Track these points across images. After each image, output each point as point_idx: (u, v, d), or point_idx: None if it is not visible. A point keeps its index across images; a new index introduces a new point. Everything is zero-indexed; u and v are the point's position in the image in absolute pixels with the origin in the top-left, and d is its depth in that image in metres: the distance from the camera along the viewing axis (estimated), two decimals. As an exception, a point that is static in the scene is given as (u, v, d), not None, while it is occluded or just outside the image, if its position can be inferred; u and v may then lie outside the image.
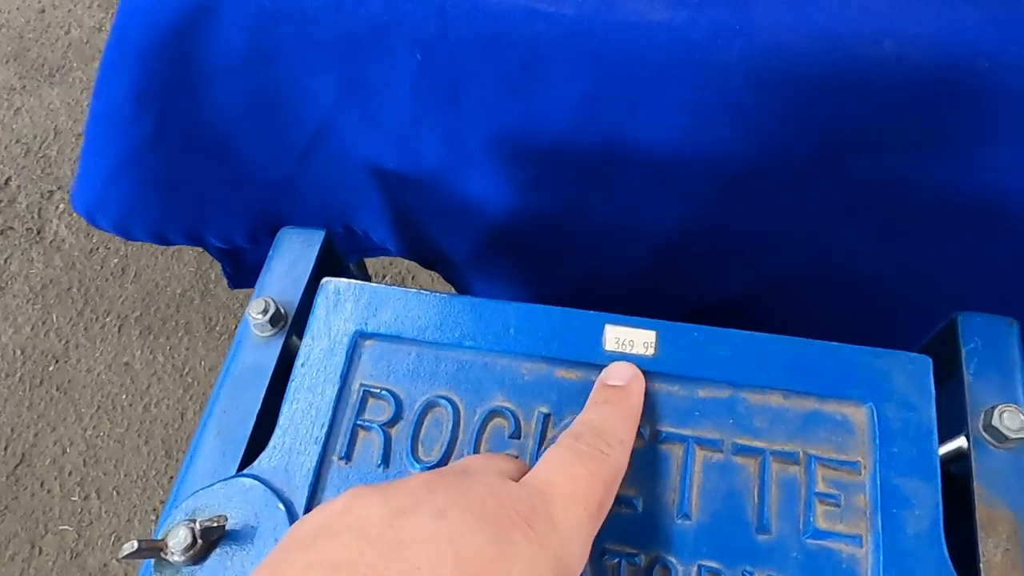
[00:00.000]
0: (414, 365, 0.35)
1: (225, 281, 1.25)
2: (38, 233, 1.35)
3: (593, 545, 0.30)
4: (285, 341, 0.39)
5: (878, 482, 0.31)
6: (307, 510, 0.32)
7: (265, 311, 0.38)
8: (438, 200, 0.49)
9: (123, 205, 0.50)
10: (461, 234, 0.51)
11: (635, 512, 0.32)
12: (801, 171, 0.42)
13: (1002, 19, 0.38)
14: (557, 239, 0.50)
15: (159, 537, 0.31)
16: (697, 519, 0.31)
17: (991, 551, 0.35)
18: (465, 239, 0.53)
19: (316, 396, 0.35)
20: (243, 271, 0.60)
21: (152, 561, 0.31)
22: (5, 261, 1.33)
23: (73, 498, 1.12)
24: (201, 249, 1.31)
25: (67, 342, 1.25)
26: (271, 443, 0.34)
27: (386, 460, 0.33)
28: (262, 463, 0.33)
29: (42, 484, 1.13)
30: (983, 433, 0.37)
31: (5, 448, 1.15)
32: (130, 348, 1.24)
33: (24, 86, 1.54)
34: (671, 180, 0.44)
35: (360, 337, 0.36)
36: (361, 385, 0.35)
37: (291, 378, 0.35)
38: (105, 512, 1.10)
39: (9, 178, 1.43)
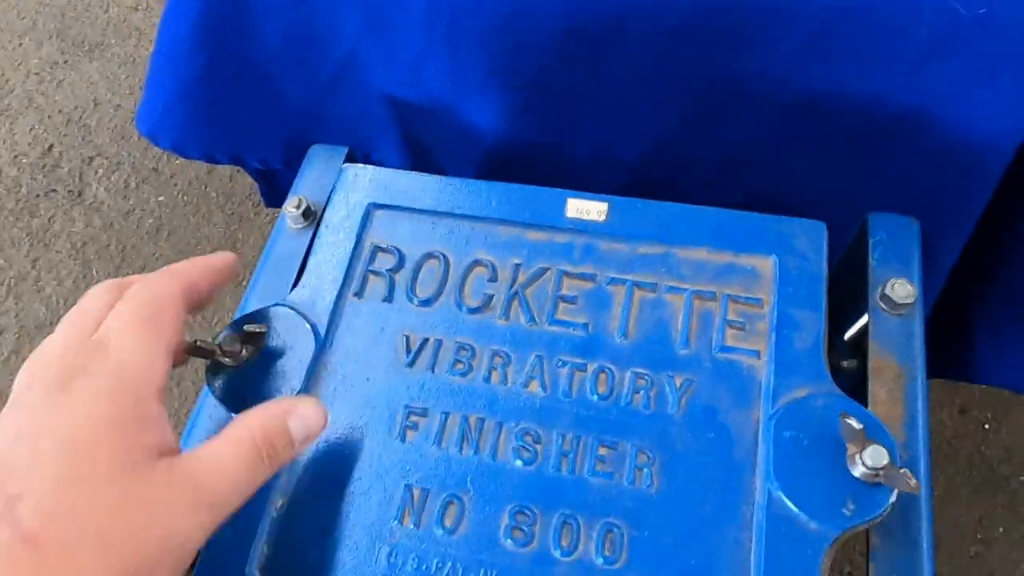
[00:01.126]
0: (415, 228, 0.44)
1: (251, 240, 1.35)
2: (79, 195, 1.46)
3: (549, 358, 0.39)
4: (314, 233, 0.48)
5: (775, 313, 0.40)
6: (328, 331, 0.41)
7: (298, 206, 0.47)
8: (445, 128, 0.58)
9: (179, 129, 0.59)
10: (463, 160, 0.60)
11: (586, 334, 0.40)
12: (747, 96, 0.51)
13: None
14: (542, 167, 0.58)
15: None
16: (632, 339, 0.40)
17: (879, 391, 0.44)
18: (467, 165, 0.62)
19: (337, 250, 0.44)
20: (276, 192, 0.69)
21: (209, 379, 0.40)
22: (49, 220, 1.43)
23: (110, 433, 1.22)
24: (231, 212, 1.41)
25: (105, 294, 1.35)
26: (301, 282, 0.43)
27: (389, 297, 0.42)
28: (293, 297, 0.42)
29: (82, 419, 1.23)
30: (879, 302, 0.45)
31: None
32: (163, 300, 1.34)
33: (66, 61, 1.64)
34: (637, 108, 0.53)
35: (373, 207, 0.45)
36: (372, 243, 0.44)
37: (317, 236, 0.44)
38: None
39: (52, 145, 1.53)
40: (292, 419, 0.33)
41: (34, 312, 1.33)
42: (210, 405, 0.42)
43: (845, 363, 0.49)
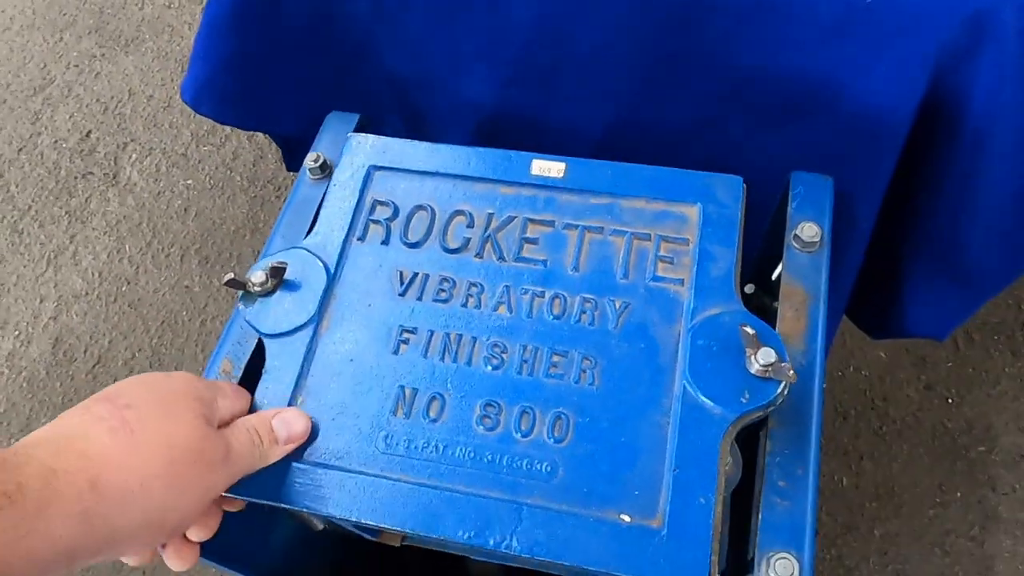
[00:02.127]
0: (408, 185, 0.54)
1: (271, 220, 1.45)
2: (114, 178, 1.57)
3: (514, 287, 0.49)
4: (327, 187, 0.57)
5: (698, 249, 0.49)
6: (336, 268, 0.51)
7: (316, 160, 0.57)
8: (441, 101, 0.68)
9: (217, 98, 0.69)
10: (457, 128, 0.70)
11: (544, 268, 0.50)
12: (691, 71, 0.60)
13: None
14: (525, 134, 0.68)
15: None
16: (582, 272, 0.49)
17: (787, 311, 0.53)
18: (461, 133, 0.72)
19: (343, 203, 0.53)
20: (297, 158, 0.79)
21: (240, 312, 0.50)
22: (86, 200, 1.54)
23: (140, 394, 1.33)
24: (254, 195, 1.51)
25: (137, 268, 1.46)
26: (314, 230, 0.52)
27: (386, 241, 0.52)
28: (307, 241, 0.52)
29: (114, 380, 1.34)
30: (792, 242, 0.55)
31: (85, 351, 1.37)
32: (190, 274, 1.44)
33: (103, 54, 1.76)
34: (601, 82, 0.62)
35: (373, 168, 0.55)
36: (373, 197, 0.54)
37: (327, 192, 0.54)
38: (167, 405, 1.31)
39: (90, 131, 1.64)
40: (276, 421, 0.43)
41: (72, 283, 1.44)
42: (236, 331, 0.52)
43: (776, 303, 0.58)
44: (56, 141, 1.63)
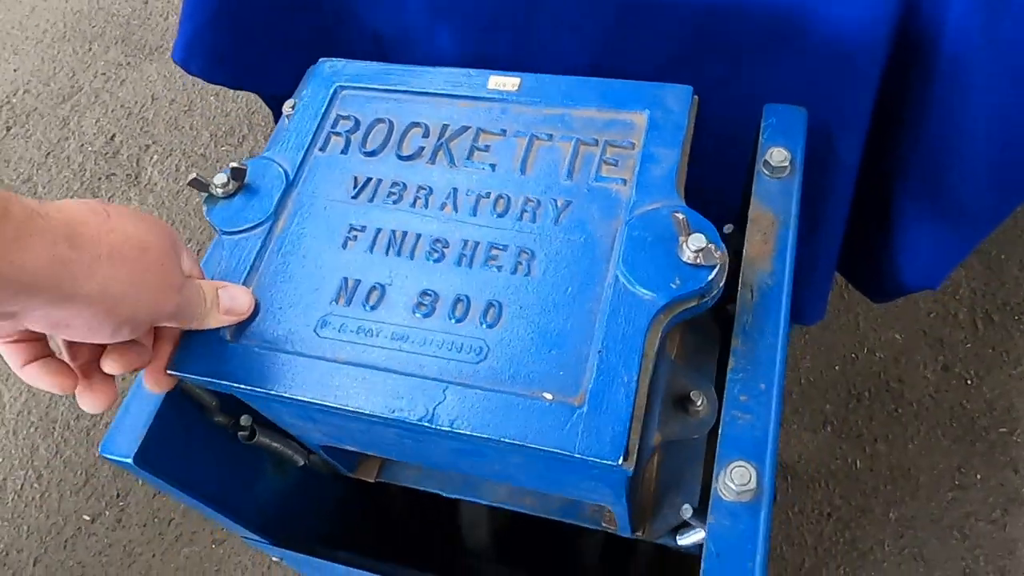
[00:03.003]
0: (370, 102, 0.55)
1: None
2: (136, 178, 1.62)
3: (461, 190, 0.49)
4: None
5: (643, 151, 0.49)
6: (296, 174, 0.52)
7: (294, 106, 0.58)
8: (421, 57, 0.69)
9: (205, 56, 0.72)
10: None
11: (492, 172, 0.50)
12: (662, 9, 0.60)
13: None
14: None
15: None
16: (528, 175, 0.50)
17: (754, 234, 0.53)
18: None
19: (310, 116, 0.55)
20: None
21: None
22: (109, 200, 1.60)
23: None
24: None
25: (156, 263, 1.50)
26: (279, 140, 0.54)
27: (346, 151, 0.53)
28: (270, 151, 0.53)
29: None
30: (761, 168, 0.55)
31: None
32: (206, 268, 1.48)
33: (129, 62, 1.83)
34: (576, 26, 0.63)
35: (340, 88, 0.56)
36: (336, 113, 0.55)
37: (295, 110, 0.55)
38: (179, 392, 1.33)
39: (114, 135, 1.71)
40: (222, 291, 0.46)
41: (94, 278, 1.49)
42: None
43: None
44: (82, 145, 1.70)
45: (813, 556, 1.09)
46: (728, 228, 0.63)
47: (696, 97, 0.52)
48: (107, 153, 1.66)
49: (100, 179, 1.62)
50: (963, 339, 1.23)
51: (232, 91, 1.73)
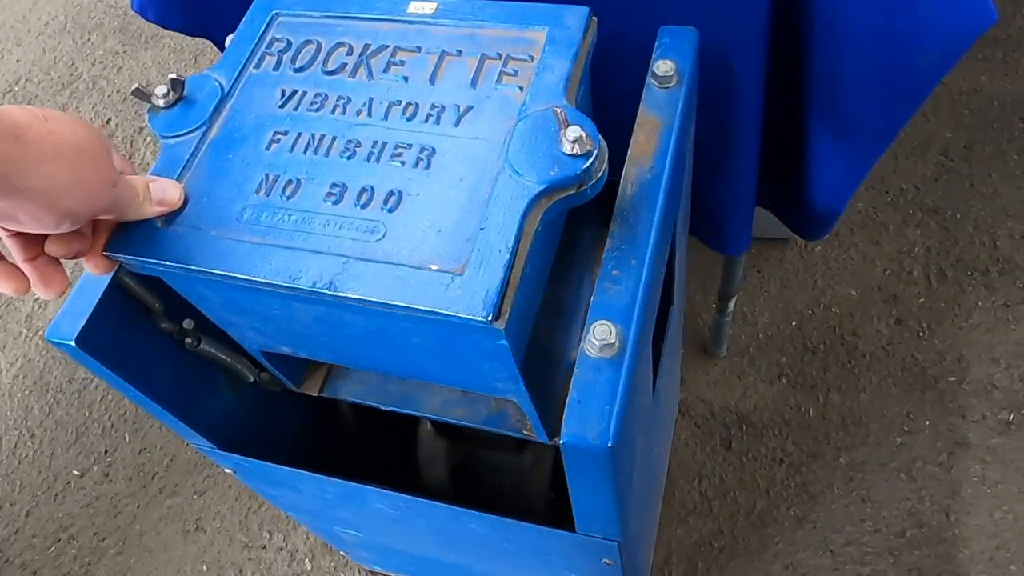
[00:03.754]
0: (301, 26, 0.60)
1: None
2: (130, 159, 1.69)
3: (376, 99, 0.54)
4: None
5: (539, 63, 0.54)
6: (231, 88, 0.57)
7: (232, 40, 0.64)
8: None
9: (159, 4, 0.77)
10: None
11: (405, 84, 0.55)
12: None
13: None
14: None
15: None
16: (437, 86, 0.55)
17: (640, 135, 0.58)
18: None
19: (246, 40, 0.60)
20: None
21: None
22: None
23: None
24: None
25: (146, 235, 1.56)
26: (218, 61, 0.59)
27: (277, 68, 0.58)
28: (209, 69, 0.59)
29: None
30: (650, 80, 0.59)
31: (94, 307, 1.47)
32: (193, 239, 1.54)
33: (125, 50, 1.90)
34: None
35: (275, 15, 0.61)
36: (272, 36, 0.60)
37: (235, 35, 0.61)
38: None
39: (110, 119, 1.77)
40: (153, 185, 0.51)
41: (86, 249, 1.55)
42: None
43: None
44: (80, 127, 1.76)
45: (765, 499, 1.13)
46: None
47: (595, 17, 0.57)
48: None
49: (93, 156, 1.68)
50: (917, 294, 1.27)
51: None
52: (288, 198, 0.51)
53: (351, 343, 0.58)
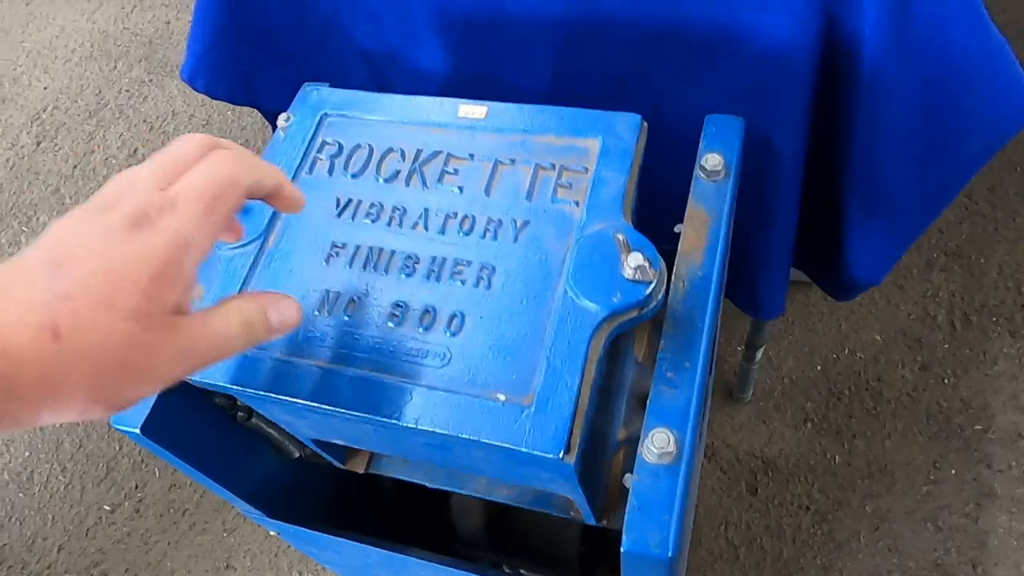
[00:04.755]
0: (352, 128, 0.61)
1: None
2: (155, 187, 1.70)
3: (432, 211, 0.55)
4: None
5: (594, 176, 0.55)
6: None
7: (288, 120, 0.65)
8: (402, 68, 0.76)
9: (209, 75, 0.79)
10: (419, 92, 0.77)
11: (460, 194, 0.56)
12: (614, 26, 0.66)
13: None
14: (474, 94, 0.75)
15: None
16: (491, 197, 0.56)
17: (689, 231, 0.59)
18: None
19: (298, 140, 0.61)
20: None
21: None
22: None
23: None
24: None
25: (172, 267, 1.58)
26: (267, 158, 0.60)
27: (330, 173, 0.59)
28: (263, 174, 0.60)
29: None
30: (698, 172, 0.60)
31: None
32: (220, 272, 1.56)
33: (151, 80, 1.91)
34: (539, 40, 0.69)
35: (325, 115, 0.62)
36: (322, 139, 0.61)
37: (286, 134, 0.62)
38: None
39: (137, 148, 1.79)
40: (271, 310, 0.40)
41: (114, 282, 1.57)
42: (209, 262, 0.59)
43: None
44: (107, 158, 1.78)
45: (791, 547, 1.14)
46: (678, 228, 0.69)
47: (645, 123, 0.58)
48: (130, 165, 1.74)
49: (120, 187, 1.70)
50: (941, 340, 1.27)
51: (248, 109, 1.80)
52: (350, 317, 0.52)
53: (409, 449, 0.59)
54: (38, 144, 1.84)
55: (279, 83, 0.80)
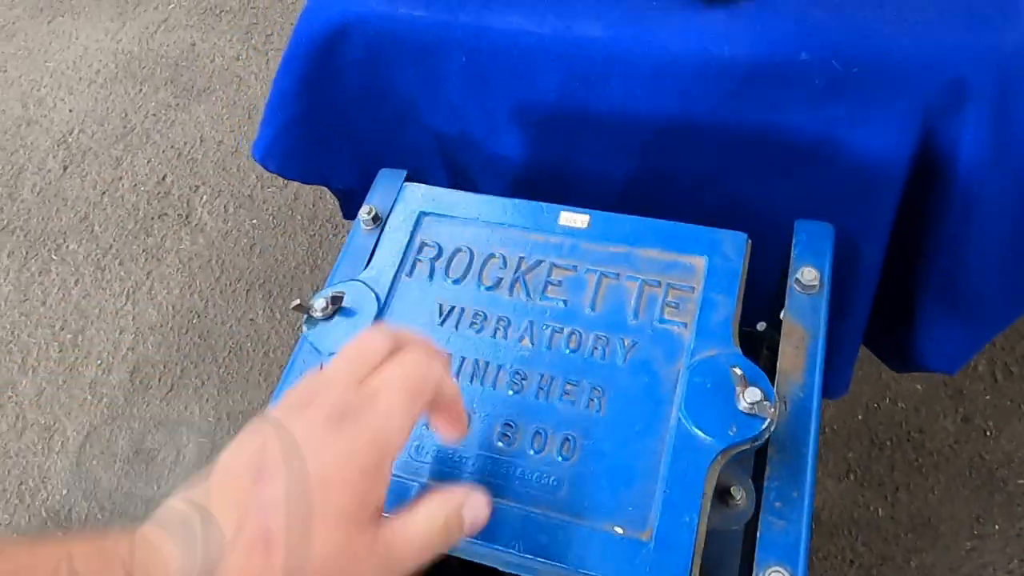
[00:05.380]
0: (451, 230, 0.61)
1: (329, 258, 1.55)
2: (186, 218, 1.70)
3: (537, 323, 0.55)
4: (379, 233, 0.65)
5: (702, 297, 0.55)
6: (386, 299, 0.58)
7: (369, 213, 0.65)
8: (479, 156, 0.76)
9: (283, 156, 0.78)
10: (494, 179, 0.77)
11: (565, 308, 0.56)
12: (699, 130, 0.66)
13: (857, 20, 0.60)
14: (554, 183, 0.75)
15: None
16: (598, 312, 0.56)
17: (787, 348, 0.59)
18: (497, 182, 0.79)
19: (396, 243, 0.61)
20: (353, 208, 0.87)
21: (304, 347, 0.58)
22: (161, 239, 1.67)
23: (208, 418, 1.43)
24: (313, 233, 1.61)
25: (207, 302, 1.57)
26: (370, 265, 0.60)
27: (431, 277, 0.59)
28: (363, 275, 0.60)
29: (186, 407, 1.44)
30: (794, 284, 0.60)
31: (159, 379, 1.48)
32: (255, 307, 1.55)
33: (178, 103, 1.90)
34: (621, 137, 0.69)
35: (423, 214, 0.62)
36: (421, 239, 0.61)
37: (382, 233, 0.62)
38: (234, 430, 1.41)
39: (165, 175, 1.78)
40: (466, 509, 0.39)
41: (148, 316, 1.56)
42: (303, 355, 0.59)
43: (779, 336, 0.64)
44: (135, 185, 1.77)
45: (837, 602, 1.15)
46: (761, 326, 0.69)
47: (750, 242, 0.58)
48: (159, 193, 1.74)
49: (153, 219, 1.69)
50: (982, 390, 1.28)
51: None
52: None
53: (503, 562, 0.59)
54: (65, 169, 1.84)
55: (350, 163, 0.80)
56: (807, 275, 0.59)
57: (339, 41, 0.70)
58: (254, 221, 1.67)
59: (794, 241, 0.62)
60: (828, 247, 0.62)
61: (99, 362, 1.53)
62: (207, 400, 1.45)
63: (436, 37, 0.67)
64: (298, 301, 0.56)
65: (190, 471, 1.38)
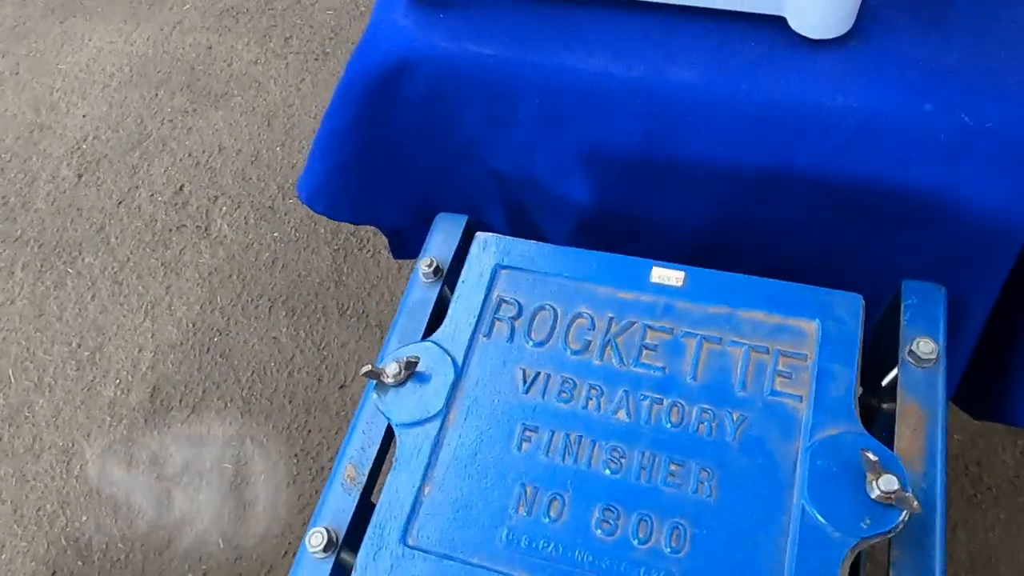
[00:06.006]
0: (531, 285, 0.56)
1: (355, 273, 1.50)
2: (205, 230, 1.64)
3: (633, 392, 0.50)
4: (441, 287, 0.60)
5: (816, 366, 0.50)
6: (464, 362, 0.53)
7: (430, 265, 0.60)
8: (546, 200, 0.70)
9: (332, 196, 0.73)
10: (560, 223, 0.72)
11: (663, 375, 0.51)
12: (792, 184, 0.61)
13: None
14: (624, 231, 0.70)
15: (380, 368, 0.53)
16: (700, 381, 0.51)
17: (904, 429, 0.54)
18: (562, 227, 0.74)
19: (471, 301, 0.56)
20: (402, 246, 0.82)
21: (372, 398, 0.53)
22: (180, 252, 1.62)
23: (232, 443, 1.38)
24: (336, 247, 1.56)
25: (228, 318, 1.52)
26: (444, 324, 0.55)
27: (511, 339, 0.54)
28: (437, 335, 0.55)
29: (208, 431, 1.39)
30: (908, 357, 0.55)
31: (180, 400, 1.43)
32: (277, 325, 1.50)
33: (195, 109, 1.85)
34: (702, 187, 0.64)
35: (499, 267, 0.57)
36: (498, 296, 0.56)
37: (457, 289, 0.57)
38: (258, 455, 1.36)
39: (183, 185, 1.72)
40: None
41: (167, 333, 1.51)
42: (365, 418, 0.54)
43: (885, 405, 0.59)
44: (152, 195, 1.72)
45: (893, 647, 1.10)
46: (886, 381, 0.63)
47: (864, 303, 0.53)
48: (177, 204, 1.68)
49: (171, 230, 1.64)
50: (1041, 423, 1.23)
51: (298, 143, 1.75)
52: (554, 520, 0.47)
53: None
54: (79, 177, 1.78)
55: (401, 201, 0.75)
56: (923, 347, 0.54)
57: (398, 78, 0.64)
58: (276, 234, 1.62)
59: (903, 305, 0.57)
60: (942, 313, 0.56)
61: (118, 381, 1.47)
62: (230, 423, 1.40)
63: (507, 76, 0.62)
64: (368, 367, 0.51)
65: (214, 499, 1.33)
